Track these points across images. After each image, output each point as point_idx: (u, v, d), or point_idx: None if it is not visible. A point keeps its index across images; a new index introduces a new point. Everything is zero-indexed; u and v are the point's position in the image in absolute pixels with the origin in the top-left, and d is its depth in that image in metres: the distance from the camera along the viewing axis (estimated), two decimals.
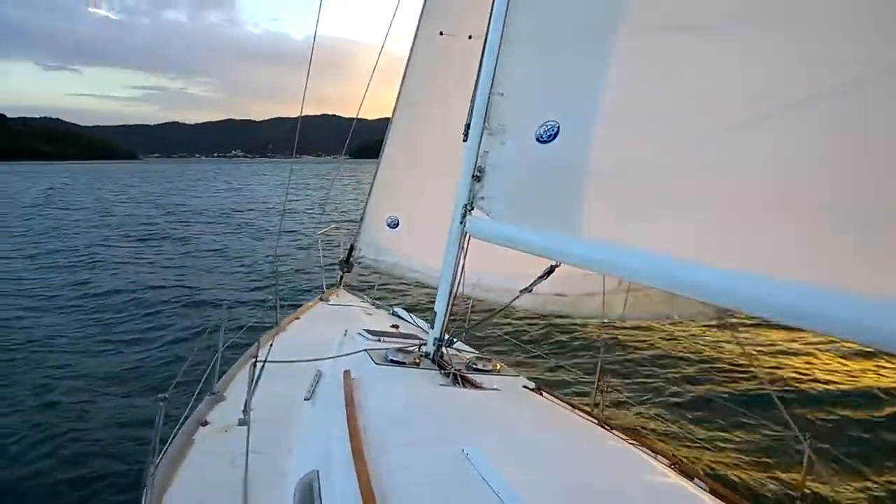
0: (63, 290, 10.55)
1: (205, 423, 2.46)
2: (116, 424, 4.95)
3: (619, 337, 6.54)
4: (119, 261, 13.56)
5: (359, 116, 5.67)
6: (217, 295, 10.10)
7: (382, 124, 5.41)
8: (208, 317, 8.38)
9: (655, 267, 1.89)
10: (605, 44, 2.38)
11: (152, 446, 1.95)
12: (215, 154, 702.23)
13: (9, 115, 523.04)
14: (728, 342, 6.42)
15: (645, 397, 5.49)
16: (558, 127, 2.45)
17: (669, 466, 1.99)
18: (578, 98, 2.46)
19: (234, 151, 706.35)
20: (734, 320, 2.99)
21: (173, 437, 2.26)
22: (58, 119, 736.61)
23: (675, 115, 2.14)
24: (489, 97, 2.76)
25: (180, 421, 2.42)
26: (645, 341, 7.22)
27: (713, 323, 2.92)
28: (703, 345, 7.10)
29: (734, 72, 1.95)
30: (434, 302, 3.08)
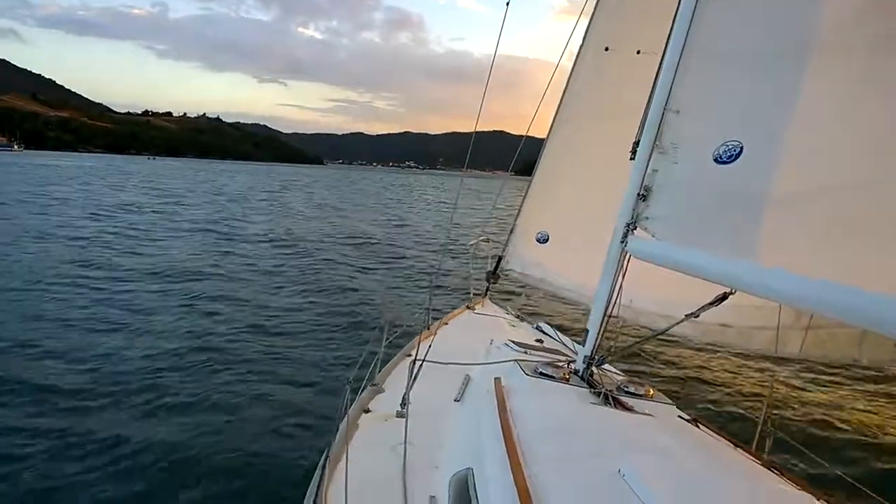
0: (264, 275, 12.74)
1: (367, 411, 2.69)
2: (300, 403, 5.74)
3: (790, 376, 5.87)
4: (323, 258, 15.63)
5: (528, 134, 5.73)
6: (384, 298, 11.27)
7: None
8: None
9: (864, 305, 1.68)
10: (795, 62, 2.25)
11: (336, 424, 2.18)
12: (390, 163, 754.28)
13: (224, 120, 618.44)
14: None
15: (819, 447, 4.84)
16: (741, 147, 2.31)
17: None
18: (766, 118, 2.32)
19: (407, 162, 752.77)
20: None
21: (342, 420, 2.49)
22: (264, 125, 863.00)
23: (868, 139, 1.96)
24: (663, 114, 2.68)
25: (348, 407, 2.68)
26: (821, 382, 6.44)
27: None
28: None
29: None
30: (579, 320, 3.05)
